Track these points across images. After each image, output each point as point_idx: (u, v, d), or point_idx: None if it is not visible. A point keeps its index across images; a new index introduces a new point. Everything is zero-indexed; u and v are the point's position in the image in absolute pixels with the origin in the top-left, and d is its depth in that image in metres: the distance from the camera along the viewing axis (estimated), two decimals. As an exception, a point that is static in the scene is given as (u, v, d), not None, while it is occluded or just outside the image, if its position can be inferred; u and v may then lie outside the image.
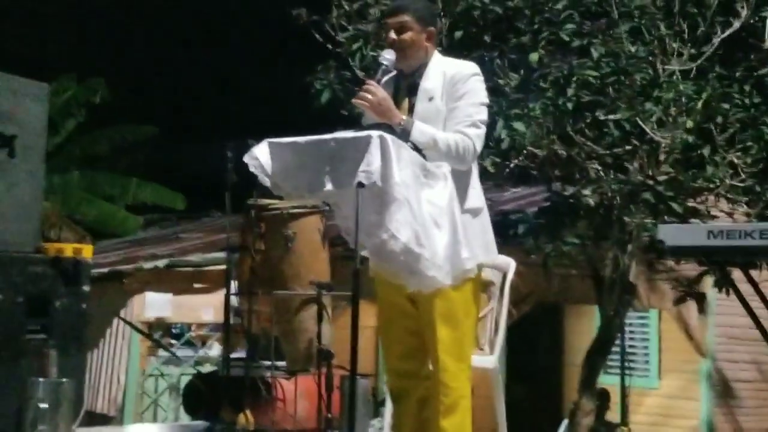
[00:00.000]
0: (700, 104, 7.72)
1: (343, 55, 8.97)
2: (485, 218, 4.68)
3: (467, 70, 4.66)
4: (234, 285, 6.18)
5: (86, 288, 5.90)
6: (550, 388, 13.21)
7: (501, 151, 8.29)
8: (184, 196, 20.11)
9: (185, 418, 6.97)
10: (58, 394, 5.37)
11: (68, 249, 5.87)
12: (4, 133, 5.74)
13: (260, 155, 4.49)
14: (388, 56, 4.67)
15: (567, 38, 8.16)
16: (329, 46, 9.04)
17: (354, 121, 5.34)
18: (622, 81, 7.83)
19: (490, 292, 6.24)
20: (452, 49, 8.55)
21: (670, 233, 4.91)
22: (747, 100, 8.13)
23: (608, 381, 10.41)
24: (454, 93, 4.59)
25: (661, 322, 12.19)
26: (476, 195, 4.64)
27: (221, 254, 9.39)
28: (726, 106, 7.91)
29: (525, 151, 8.35)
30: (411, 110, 4.64)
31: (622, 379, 6.50)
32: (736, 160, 8.01)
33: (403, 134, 4.46)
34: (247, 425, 5.73)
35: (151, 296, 10.40)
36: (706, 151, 7.95)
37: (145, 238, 17.21)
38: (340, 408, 5.28)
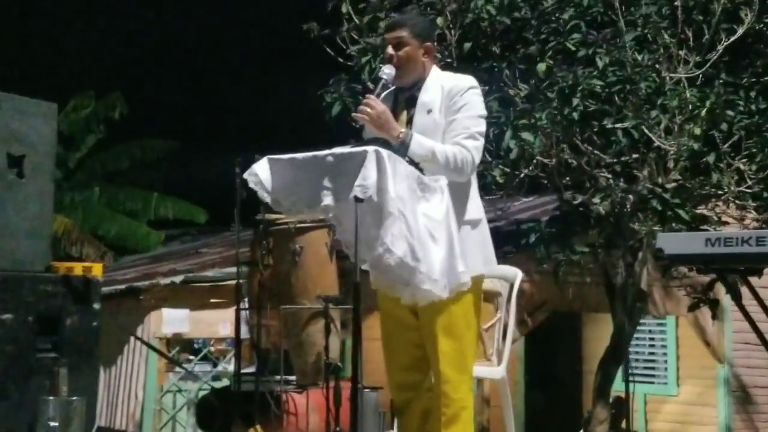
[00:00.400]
0: (704, 112, 7.73)
1: (354, 69, 9.03)
2: (485, 229, 4.72)
3: (465, 83, 4.72)
4: (246, 300, 6.25)
5: (97, 306, 5.99)
6: (569, 396, 13.18)
7: (510, 161, 8.33)
8: (206, 209, 20.15)
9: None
10: (69, 412, 5.45)
11: (78, 267, 5.95)
12: (13, 154, 5.83)
13: (260, 171, 4.54)
14: (387, 71, 4.73)
15: (573, 48, 8.20)
16: (340, 60, 9.10)
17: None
18: (628, 89, 7.85)
19: (497, 302, 6.26)
20: (462, 61, 8.63)
21: (669, 241, 4.92)
22: (753, 107, 8.14)
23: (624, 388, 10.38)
24: (452, 106, 4.64)
25: (678, 329, 12.15)
26: (475, 206, 4.68)
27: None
28: (731, 113, 7.92)
29: (534, 161, 8.40)
30: (410, 123, 4.69)
31: (627, 387, 6.49)
32: (742, 167, 8.03)
33: (402, 147, 4.51)
34: (257, 439, 5.78)
35: (168, 312, 10.45)
36: (711, 158, 7.97)
37: (165, 254, 17.28)
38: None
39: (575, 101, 7.87)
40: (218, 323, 10.57)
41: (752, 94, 8.28)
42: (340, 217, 4.55)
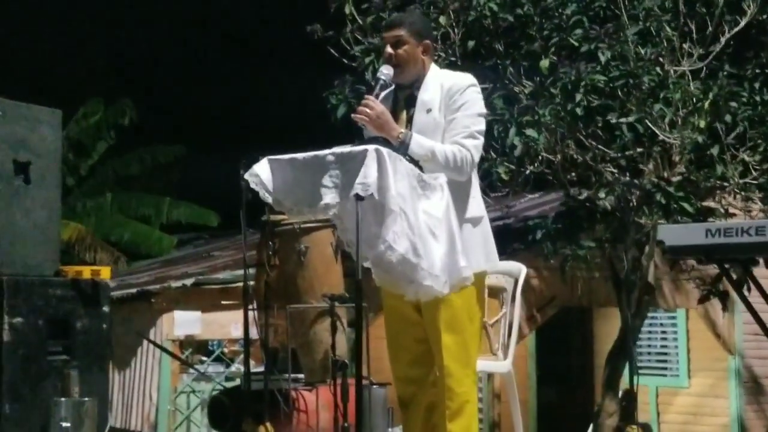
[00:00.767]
0: (707, 104, 7.75)
1: (358, 69, 9.08)
2: (486, 227, 4.76)
3: (464, 81, 4.75)
4: (254, 301, 6.29)
5: (106, 308, 6.05)
6: (581, 390, 13.23)
7: (515, 158, 8.37)
8: (217, 212, 20.22)
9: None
10: (81, 413, 5.51)
11: (86, 271, 6.02)
12: (19, 160, 5.90)
13: (261, 172, 4.60)
14: (385, 71, 4.77)
15: (576, 43, 8.23)
16: (345, 61, 9.15)
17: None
18: (631, 84, 7.88)
19: (502, 298, 6.29)
20: (466, 59, 8.68)
21: (670, 233, 4.96)
22: (757, 98, 8.15)
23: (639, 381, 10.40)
24: (452, 105, 4.68)
25: (689, 322, 12.17)
26: (476, 204, 4.73)
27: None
28: (734, 104, 7.94)
29: (539, 157, 8.43)
30: (409, 122, 4.73)
31: (631, 380, 6.54)
32: (746, 158, 8.05)
33: (402, 147, 4.55)
34: (267, 437, 5.82)
35: (180, 314, 10.52)
36: (715, 151, 7.99)
37: (177, 258, 17.36)
38: (359, 417, 5.36)
39: (579, 97, 7.91)
40: (230, 324, 10.64)
41: (756, 85, 8.30)
42: (342, 215, 4.58)
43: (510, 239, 9.56)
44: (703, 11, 8.28)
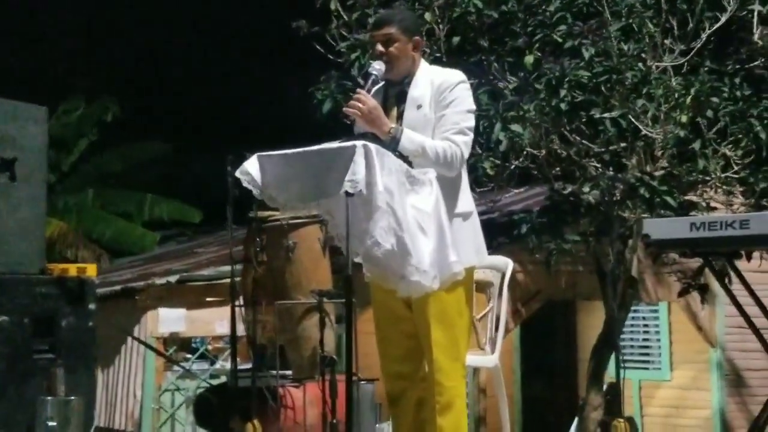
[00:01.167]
0: (689, 99, 7.81)
1: (344, 65, 9.09)
2: (476, 221, 4.79)
3: (454, 78, 4.77)
4: (241, 297, 6.29)
5: (92, 306, 6.02)
6: (565, 384, 13.29)
7: (500, 153, 8.41)
8: (200, 209, 20.16)
9: (203, 432, 7.08)
10: (67, 411, 5.48)
11: (72, 269, 5.99)
12: (4, 157, 5.87)
13: (251, 169, 4.60)
14: (377, 66, 4.78)
15: (560, 40, 8.27)
16: (330, 57, 9.16)
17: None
18: (614, 79, 7.93)
19: (489, 292, 6.32)
20: (451, 55, 8.70)
21: (655, 227, 4.99)
22: (738, 93, 8.22)
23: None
24: (442, 101, 4.70)
25: (671, 315, 12.23)
26: (466, 199, 4.75)
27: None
28: (716, 99, 8.00)
29: (524, 152, 8.48)
30: (400, 118, 4.75)
31: (618, 373, 6.56)
32: (728, 153, 8.12)
33: (393, 142, 4.57)
34: (254, 434, 5.82)
35: (164, 312, 10.45)
36: (697, 145, 8.06)
37: (161, 254, 17.30)
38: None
39: (563, 92, 7.96)
40: (215, 321, 10.59)
41: (737, 80, 8.39)
42: (333, 211, 4.60)
43: (495, 233, 9.58)
44: (684, 8, 8.35)
